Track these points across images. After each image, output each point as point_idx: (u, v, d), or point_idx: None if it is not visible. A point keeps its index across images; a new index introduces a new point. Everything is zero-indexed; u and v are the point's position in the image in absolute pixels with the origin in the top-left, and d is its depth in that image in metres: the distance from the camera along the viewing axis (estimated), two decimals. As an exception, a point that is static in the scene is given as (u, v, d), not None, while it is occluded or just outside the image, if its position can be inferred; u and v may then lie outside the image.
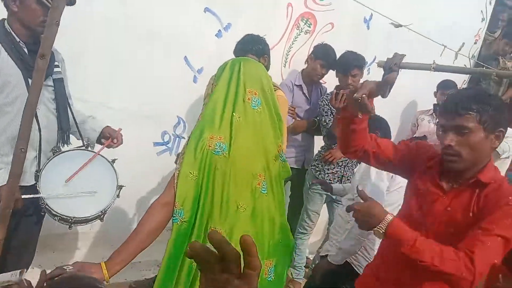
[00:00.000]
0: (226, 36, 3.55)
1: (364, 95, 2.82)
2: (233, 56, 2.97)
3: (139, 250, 1.49)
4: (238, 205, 1.60)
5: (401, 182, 2.28)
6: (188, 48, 3.35)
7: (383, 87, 2.88)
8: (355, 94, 2.73)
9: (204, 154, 1.56)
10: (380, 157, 1.79)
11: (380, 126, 2.53)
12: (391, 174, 2.27)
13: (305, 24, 3.95)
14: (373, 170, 2.30)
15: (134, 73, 3.20)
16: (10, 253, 2.25)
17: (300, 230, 3.46)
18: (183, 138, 3.48)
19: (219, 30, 3.54)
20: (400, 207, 2.33)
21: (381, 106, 3.54)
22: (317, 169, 3.32)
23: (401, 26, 3.19)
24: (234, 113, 1.62)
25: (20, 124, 1.71)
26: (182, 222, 1.55)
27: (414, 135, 4.22)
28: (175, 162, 1.68)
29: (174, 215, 1.55)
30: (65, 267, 1.34)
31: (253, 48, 2.86)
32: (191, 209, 1.56)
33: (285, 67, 3.89)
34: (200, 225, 1.58)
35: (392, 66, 3.48)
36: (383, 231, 1.43)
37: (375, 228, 1.46)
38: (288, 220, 3.73)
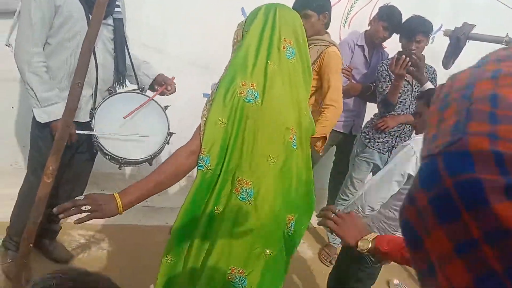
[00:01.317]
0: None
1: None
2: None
3: (156, 191, 1.45)
4: (268, 157, 1.52)
5: None
6: (246, -3, 3.26)
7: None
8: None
9: (235, 101, 1.46)
10: None
11: None
12: None
13: (370, -17, 3.73)
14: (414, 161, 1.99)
15: (191, 22, 3.17)
16: (63, 185, 2.35)
17: (342, 196, 3.41)
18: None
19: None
20: None
21: (443, 78, 3.37)
22: (367, 136, 3.22)
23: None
24: (268, 61, 1.51)
25: (78, 59, 1.72)
26: (207, 169, 1.49)
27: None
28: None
29: (200, 162, 1.49)
30: (77, 200, 1.33)
31: (313, 3, 2.73)
32: (218, 157, 1.49)
33: (344, 27, 3.72)
34: (226, 174, 1.52)
35: (460, 36, 3.28)
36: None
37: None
38: (330, 186, 3.76)
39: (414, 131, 2.44)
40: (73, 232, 2.89)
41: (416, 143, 2.03)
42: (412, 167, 1.96)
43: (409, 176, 1.97)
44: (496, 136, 0.35)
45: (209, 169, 1.49)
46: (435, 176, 0.38)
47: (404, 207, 0.42)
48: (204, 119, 1.49)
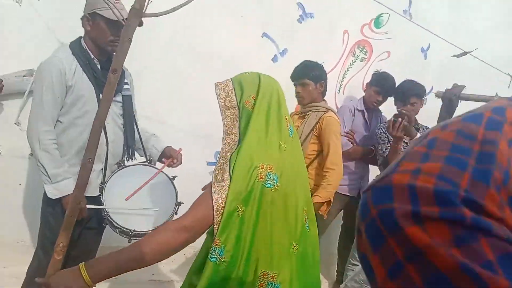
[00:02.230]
0: (281, 60, 3.61)
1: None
2: (289, 81, 3.00)
3: (132, 267, 1.27)
4: (292, 245, 1.41)
5: None
6: (243, 70, 3.40)
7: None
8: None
9: (256, 186, 1.33)
10: None
11: None
12: None
13: (361, 51, 3.94)
14: None
15: (191, 93, 3.30)
16: (71, 262, 2.31)
17: (352, 261, 3.35)
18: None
19: (275, 54, 3.61)
20: None
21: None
22: (370, 198, 3.24)
23: (465, 54, 3.12)
24: (280, 141, 1.43)
25: (89, 136, 1.78)
26: (221, 261, 1.32)
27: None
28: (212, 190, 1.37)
29: (212, 253, 1.31)
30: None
31: (310, 73, 2.89)
32: (233, 249, 1.32)
33: (339, 93, 3.88)
34: (248, 269, 1.34)
35: (452, 97, 3.42)
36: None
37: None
38: (339, 251, 3.70)
39: None
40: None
41: None
42: None
43: None
44: (419, 172, 0.42)
45: (223, 261, 1.32)
46: (365, 208, 0.46)
47: (356, 239, 0.48)
48: (218, 204, 1.32)
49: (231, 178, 1.33)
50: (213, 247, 1.31)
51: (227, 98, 1.49)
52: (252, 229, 1.34)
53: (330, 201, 2.83)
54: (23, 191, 2.95)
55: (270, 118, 1.44)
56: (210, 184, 1.37)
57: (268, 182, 1.35)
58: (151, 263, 1.30)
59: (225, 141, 1.46)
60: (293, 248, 1.41)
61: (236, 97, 1.48)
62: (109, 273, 1.26)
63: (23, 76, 2.80)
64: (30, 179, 2.91)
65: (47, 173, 2.04)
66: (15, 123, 2.82)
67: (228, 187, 1.32)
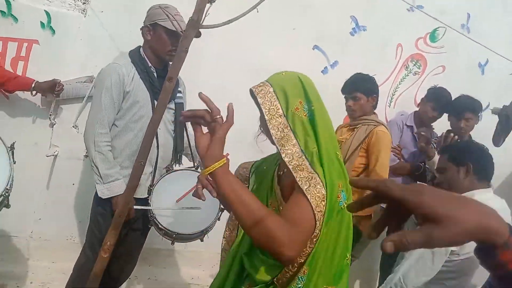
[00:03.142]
0: (331, 72, 3.58)
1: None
2: (338, 93, 2.98)
3: (237, 215, 1.16)
4: (346, 257, 1.37)
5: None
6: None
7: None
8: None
9: (335, 207, 1.27)
10: None
11: (471, 159, 2.00)
12: None
13: (414, 65, 3.85)
14: None
15: (239, 104, 3.32)
16: (116, 260, 2.39)
17: (394, 280, 3.25)
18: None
19: (325, 67, 3.59)
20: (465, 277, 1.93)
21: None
22: (418, 216, 3.13)
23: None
24: (337, 152, 1.34)
25: (143, 140, 1.84)
26: (302, 285, 1.30)
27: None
28: None
29: (298, 283, 1.29)
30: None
31: (362, 86, 2.85)
32: (309, 270, 1.30)
33: (389, 107, 3.79)
34: (310, 283, 1.31)
35: (509, 114, 3.26)
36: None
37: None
38: (382, 267, 3.60)
39: None
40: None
41: None
42: None
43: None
44: None
45: (304, 282, 1.31)
46: None
47: None
48: (318, 235, 1.25)
49: (326, 206, 1.24)
50: (299, 277, 1.28)
51: (271, 107, 1.34)
52: (325, 250, 1.29)
53: (371, 215, 2.82)
54: (75, 191, 3.07)
55: (326, 127, 1.34)
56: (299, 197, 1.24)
57: (341, 200, 1.28)
58: (248, 233, 1.20)
59: (284, 153, 1.29)
60: (347, 260, 1.38)
61: (280, 103, 1.35)
62: (224, 191, 1.15)
63: (83, 82, 2.94)
64: (83, 179, 3.03)
65: (100, 173, 2.12)
66: (72, 127, 2.96)
67: (324, 216, 1.24)
